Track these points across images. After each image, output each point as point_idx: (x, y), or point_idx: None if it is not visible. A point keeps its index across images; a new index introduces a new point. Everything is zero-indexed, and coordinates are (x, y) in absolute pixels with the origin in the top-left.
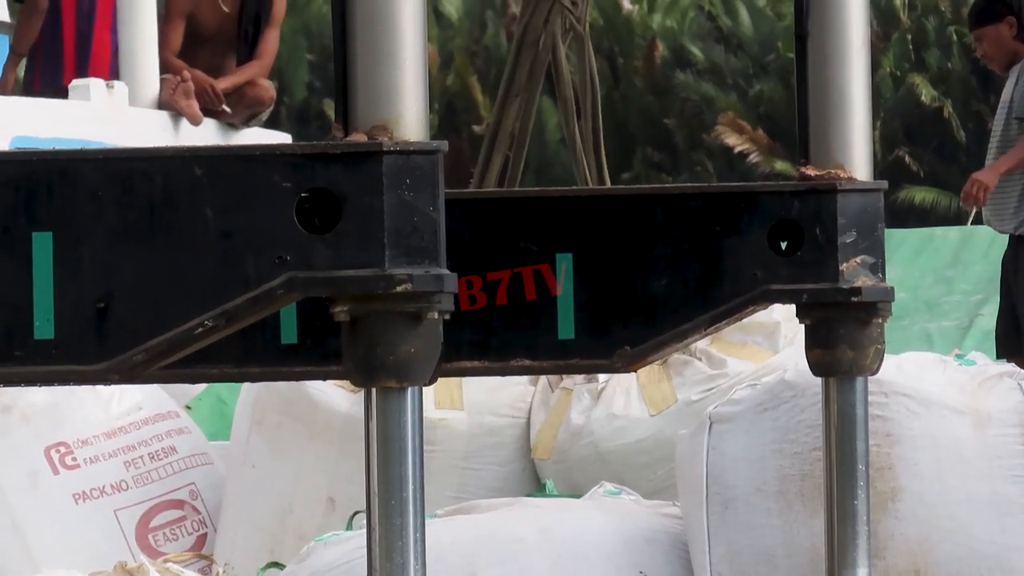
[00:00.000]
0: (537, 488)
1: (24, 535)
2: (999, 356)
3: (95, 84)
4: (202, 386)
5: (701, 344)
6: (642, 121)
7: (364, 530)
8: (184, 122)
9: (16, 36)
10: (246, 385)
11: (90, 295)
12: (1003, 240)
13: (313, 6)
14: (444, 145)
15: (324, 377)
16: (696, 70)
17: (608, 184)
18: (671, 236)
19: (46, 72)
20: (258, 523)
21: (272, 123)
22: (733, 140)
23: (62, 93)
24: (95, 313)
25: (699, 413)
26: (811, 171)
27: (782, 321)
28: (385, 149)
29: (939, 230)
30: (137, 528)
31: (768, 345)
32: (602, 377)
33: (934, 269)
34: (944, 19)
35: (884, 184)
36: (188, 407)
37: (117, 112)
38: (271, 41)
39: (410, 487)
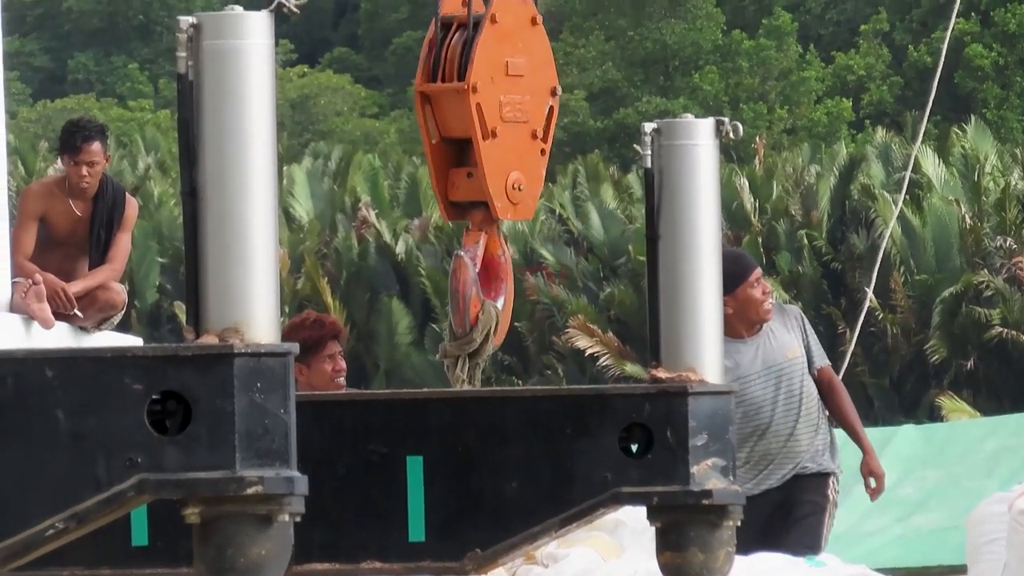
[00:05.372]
0: None
1: None
2: None
3: None
4: None
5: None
6: None
7: None
8: (36, 325)
9: None
10: None
11: None
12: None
13: (164, 209)
14: (295, 347)
15: None
16: (546, 273)
17: None
18: (522, 438)
19: None
20: None
21: (123, 326)
22: (584, 343)
23: None
24: None
25: None
26: (662, 373)
27: (626, 518)
28: (236, 351)
29: None
30: None
31: (613, 537)
32: None
33: None
34: (794, 223)
35: (735, 387)
36: None
37: None
38: (123, 245)
39: None
